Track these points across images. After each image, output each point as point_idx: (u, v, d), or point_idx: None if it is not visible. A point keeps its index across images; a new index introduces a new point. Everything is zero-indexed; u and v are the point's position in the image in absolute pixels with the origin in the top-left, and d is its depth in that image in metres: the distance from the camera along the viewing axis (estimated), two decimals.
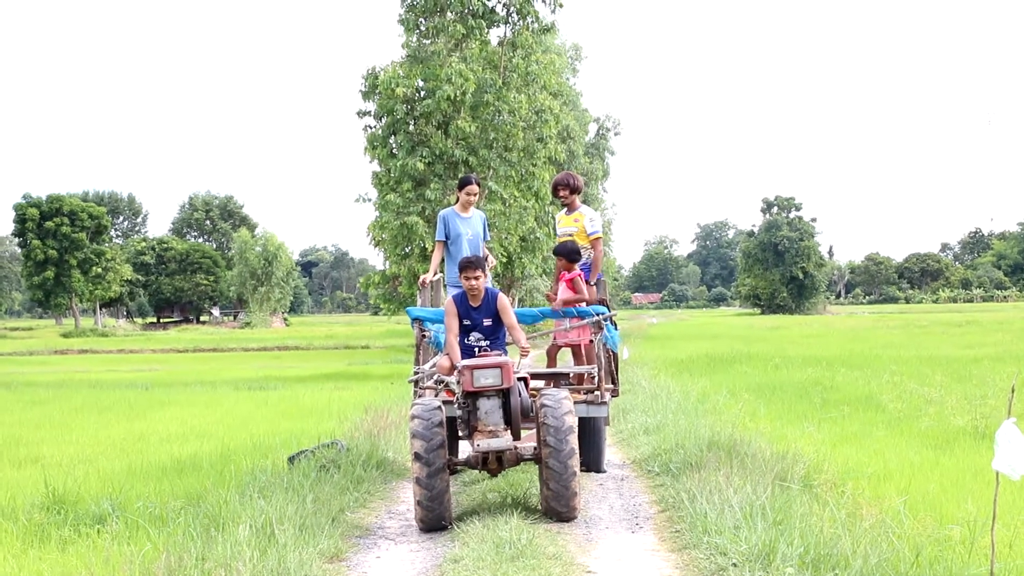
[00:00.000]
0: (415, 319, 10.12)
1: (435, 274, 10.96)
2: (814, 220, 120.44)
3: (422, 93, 34.25)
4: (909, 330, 44.99)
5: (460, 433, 8.61)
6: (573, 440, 7.97)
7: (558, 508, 8.04)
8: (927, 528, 6.59)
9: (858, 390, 16.69)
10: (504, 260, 35.66)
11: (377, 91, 34.39)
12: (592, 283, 10.45)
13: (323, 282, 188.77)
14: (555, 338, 10.57)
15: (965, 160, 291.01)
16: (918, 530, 6.55)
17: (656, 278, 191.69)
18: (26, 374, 32.86)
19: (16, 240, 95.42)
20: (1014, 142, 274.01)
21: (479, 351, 8.96)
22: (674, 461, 9.99)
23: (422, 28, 35.40)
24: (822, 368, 21.38)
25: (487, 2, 34.54)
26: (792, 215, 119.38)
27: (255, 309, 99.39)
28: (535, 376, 9.82)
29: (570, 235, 10.61)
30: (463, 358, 8.62)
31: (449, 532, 7.88)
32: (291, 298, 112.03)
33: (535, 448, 8.21)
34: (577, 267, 10.34)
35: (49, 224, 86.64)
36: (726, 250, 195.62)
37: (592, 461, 10.44)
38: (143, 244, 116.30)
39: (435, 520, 7.95)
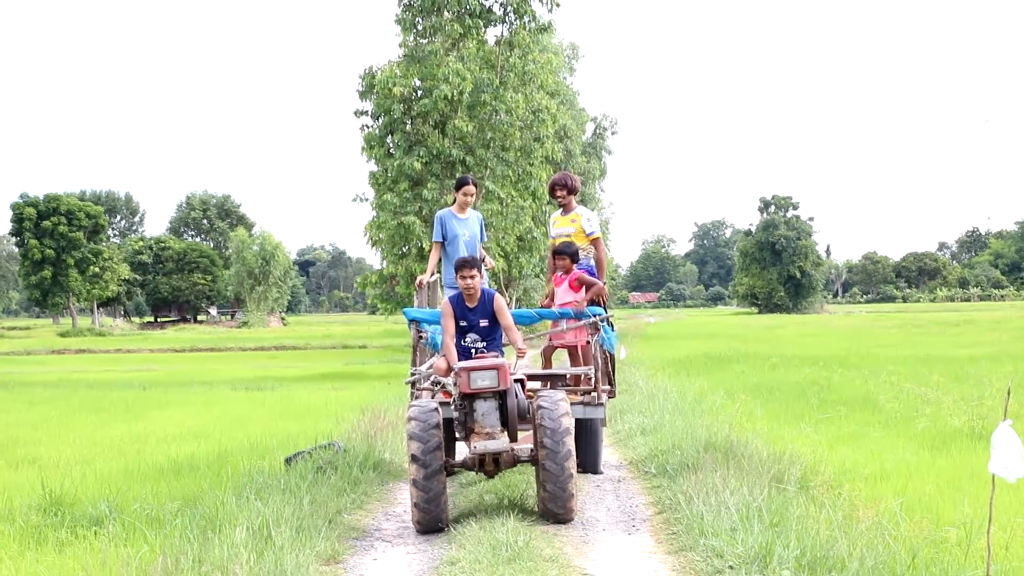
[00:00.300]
0: (412, 320, 10.12)
1: (432, 275, 10.95)
2: (811, 219, 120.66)
3: (419, 92, 34.25)
4: (906, 329, 45.06)
5: (457, 435, 8.60)
6: (570, 442, 7.97)
7: (555, 510, 8.04)
8: (923, 530, 6.59)
9: (855, 390, 16.70)
10: (501, 260, 35.64)
11: (374, 90, 34.38)
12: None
13: (320, 281, 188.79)
14: (551, 339, 10.56)
15: (963, 159, 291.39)
16: (914, 532, 6.55)
17: (654, 277, 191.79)
18: (23, 374, 32.87)
19: (13, 239, 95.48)
20: (1012, 141, 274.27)
21: (476, 352, 8.96)
22: (671, 462, 9.99)
23: (419, 27, 35.37)
24: (819, 368, 21.40)
25: (484, 1, 34.51)
26: (789, 214, 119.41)
27: (252, 308, 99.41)
28: (532, 377, 9.82)
29: (567, 236, 10.60)
30: (460, 359, 8.62)
31: (446, 534, 7.87)
32: (288, 297, 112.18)
33: (532, 450, 8.20)
34: (576, 268, 10.34)
35: (46, 223, 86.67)
36: (723, 249, 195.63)
37: (589, 462, 10.43)
38: (140, 243, 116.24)
39: (432, 522, 7.95)
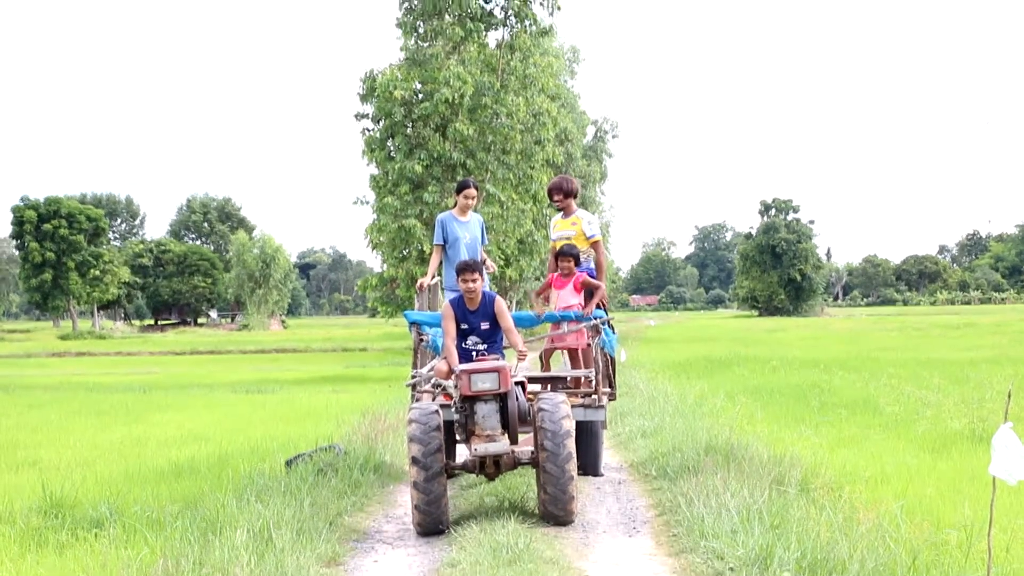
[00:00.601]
0: (413, 323, 10.12)
1: (433, 278, 10.96)
2: (812, 222, 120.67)
3: (420, 96, 34.32)
4: (906, 332, 45.03)
5: (458, 437, 8.61)
6: (570, 444, 7.97)
7: (555, 512, 8.04)
8: (924, 532, 6.59)
9: (855, 393, 16.69)
10: (502, 263, 35.66)
11: (375, 94, 34.45)
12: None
13: (321, 284, 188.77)
14: (552, 340, 10.56)
15: (963, 162, 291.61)
16: (915, 534, 6.55)
17: (654, 280, 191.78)
18: (24, 377, 32.85)
19: (14, 242, 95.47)
20: (1012, 144, 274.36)
21: (477, 355, 8.95)
22: (671, 465, 9.99)
23: (420, 31, 35.45)
24: (819, 371, 21.39)
25: (485, 5, 34.59)
26: (790, 217, 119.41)
27: (253, 311, 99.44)
28: (532, 380, 9.82)
29: (568, 239, 10.60)
30: (461, 362, 8.62)
31: (446, 536, 7.87)
32: (289, 300, 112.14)
33: (532, 452, 8.20)
34: (576, 271, 10.34)
35: (47, 226, 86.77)
36: (724, 252, 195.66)
37: (589, 465, 10.43)
38: (141, 246, 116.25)
39: (432, 524, 7.95)
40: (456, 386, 8.23)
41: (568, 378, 10.17)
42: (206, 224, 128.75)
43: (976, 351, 28.08)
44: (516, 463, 8.26)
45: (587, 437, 10.27)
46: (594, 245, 10.64)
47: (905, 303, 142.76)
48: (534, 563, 6.74)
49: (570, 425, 8.06)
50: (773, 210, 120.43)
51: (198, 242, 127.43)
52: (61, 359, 50.17)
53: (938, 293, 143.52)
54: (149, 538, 7.27)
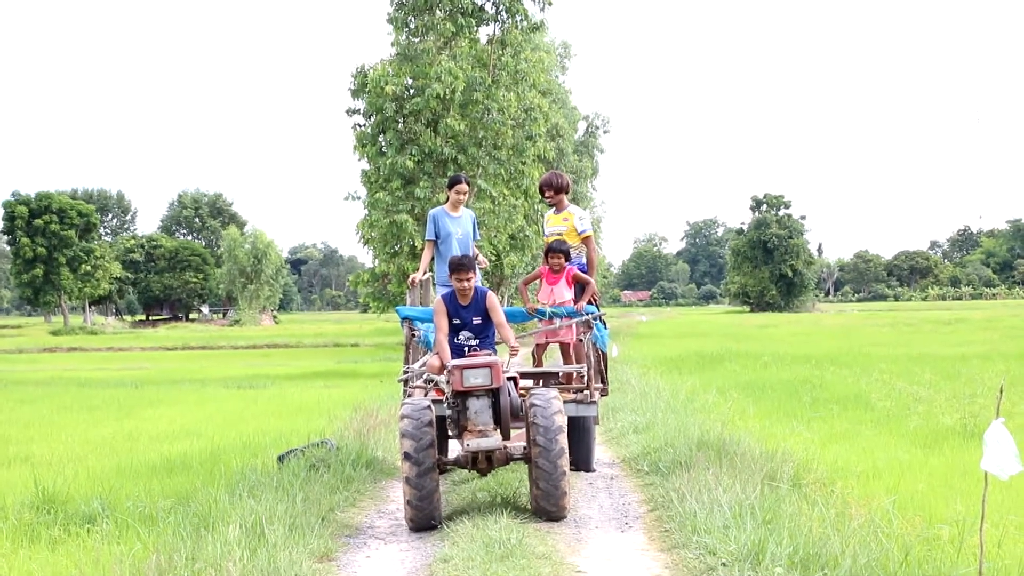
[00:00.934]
0: (405, 318, 10.13)
1: (425, 273, 10.95)
2: (803, 218, 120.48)
3: (411, 91, 34.22)
4: (898, 328, 45.14)
5: (450, 432, 8.62)
6: (563, 439, 7.98)
7: (548, 507, 8.05)
8: (916, 527, 6.60)
9: (847, 388, 16.74)
10: (493, 258, 35.63)
11: (366, 89, 34.36)
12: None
13: (312, 280, 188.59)
14: (545, 335, 10.56)
15: (954, 158, 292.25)
16: (907, 529, 6.56)
17: (645, 276, 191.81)
18: (15, 372, 32.78)
19: (5, 238, 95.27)
20: (1003, 140, 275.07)
21: (469, 350, 8.96)
22: (663, 460, 10.00)
23: (411, 26, 35.34)
24: (811, 366, 21.44)
25: (476, 0, 34.51)
26: (781, 213, 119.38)
27: (244, 307, 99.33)
28: (524, 375, 9.83)
29: (559, 234, 10.60)
30: (453, 357, 8.62)
31: (439, 531, 7.88)
32: (280, 296, 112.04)
33: (525, 447, 8.21)
34: (567, 265, 10.35)
35: (38, 222, 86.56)
36: (715, 248, 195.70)
37: (582, 460, 10.45)
38: (132, 242, 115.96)
39: (425, 519, 7.95)
40: (448, 381, 8.23)
41: (560, 374, 10.18)
42: (197, 219, 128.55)
43: (967, 347, 28.16)
44: (508, 459, 8.26)
45: (579, 433, 10.28)
46: (585, 241, 10.64)
47: (896, 299, 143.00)
48: (527, 559, 6.74)
49: (562, 421, 8.07)
50: (764, 206, 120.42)
51: (189, 237, 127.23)
52: (52, 354, 50.07)
53: (929, 289, 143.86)
54: (142, 533, 7.26)
